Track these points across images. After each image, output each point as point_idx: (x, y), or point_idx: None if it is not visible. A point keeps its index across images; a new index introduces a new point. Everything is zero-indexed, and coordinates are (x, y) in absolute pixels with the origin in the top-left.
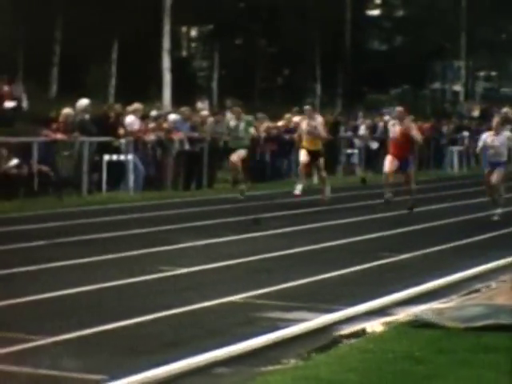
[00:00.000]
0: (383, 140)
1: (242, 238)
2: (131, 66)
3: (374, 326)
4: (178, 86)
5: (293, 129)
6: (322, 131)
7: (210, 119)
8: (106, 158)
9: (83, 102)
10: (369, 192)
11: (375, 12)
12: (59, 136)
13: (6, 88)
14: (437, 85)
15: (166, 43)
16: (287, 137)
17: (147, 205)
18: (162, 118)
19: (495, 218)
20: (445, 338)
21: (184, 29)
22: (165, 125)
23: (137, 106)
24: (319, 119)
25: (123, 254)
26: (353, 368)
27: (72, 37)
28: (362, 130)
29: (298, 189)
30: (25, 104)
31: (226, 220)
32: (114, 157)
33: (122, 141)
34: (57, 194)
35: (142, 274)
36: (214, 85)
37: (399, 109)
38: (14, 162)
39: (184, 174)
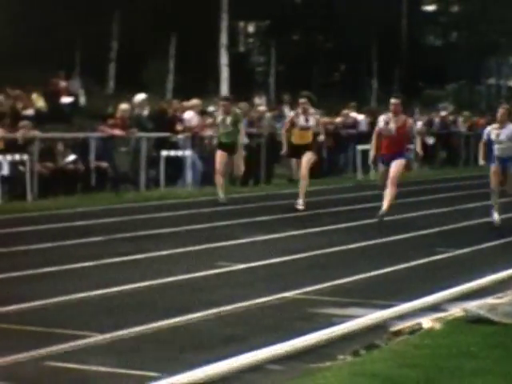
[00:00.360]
0: (440, 135)
1: (300, 233)
2: (189, 62)
3: (429, 321)
4: (236, 82)
5: (351, 124)
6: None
7: (268, 114)
8: (164, 153)
9: (140, 96)
10: (425, 187)
11: (431, 7)
12: (116, 132)
13: (63, 83)
14: (492, 80)
15: (224, 39)
16: (344, 132)
17: (205, 200)
18: None
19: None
20: (499, 333)
21: (241, 24)
22: None
23: (195, 101)
24: (317, 116)
25: (181, 250)
26: (409, 364)
27: (130, 32)
28: (419, 126)
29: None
30: (82, 100)
31: (284, 216)
32: (172, 152)
33: (180, 136)
34: (114, 189)
35: (199, 269)
36: (272, 80)
37: (394, 101)
38: (71, 157)
39: None
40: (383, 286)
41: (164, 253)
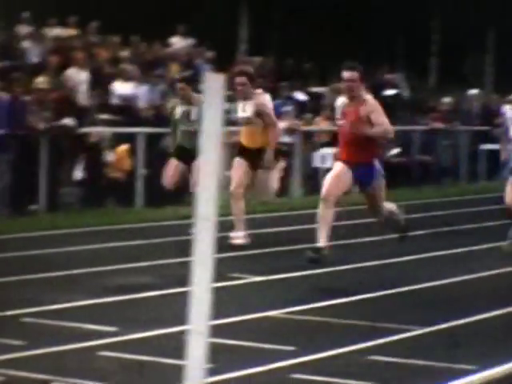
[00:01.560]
0: None
1: None
2: (507, 55)
3: None
4: None
5: None
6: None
7: None
8: (484, 147)
9: (472, 92)
10: None
11: None
12: (439, 125)
13: (387, 76)
14: None
15: None
16: None
17: None
18: None
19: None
20: None
21: None
22: None
23: None
24: (264, 98)
25: (488, 246)
26: None
27: (451, 26)
28: None
29: (238, 236)
30: (405, 92)
31: None
32: (492, 146)
33: (498, 130)
34: (436, 183)
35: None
36: None
37: (348, 75)
38: (396, 150)
39: None
40: None
41: (480, 247)
